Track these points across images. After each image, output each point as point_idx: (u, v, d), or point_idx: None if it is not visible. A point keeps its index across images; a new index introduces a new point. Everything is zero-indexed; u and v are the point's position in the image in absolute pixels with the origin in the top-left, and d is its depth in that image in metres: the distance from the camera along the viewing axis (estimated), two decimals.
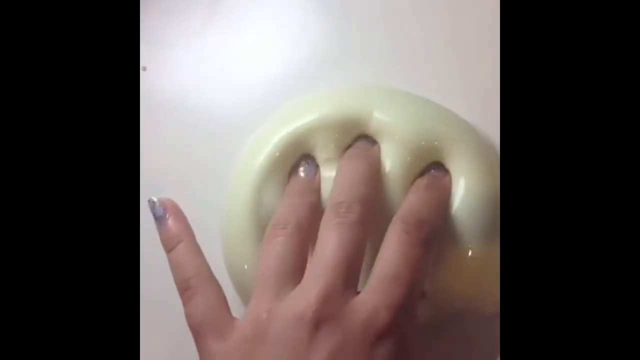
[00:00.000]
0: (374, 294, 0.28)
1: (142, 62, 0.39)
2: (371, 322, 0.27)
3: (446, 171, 0.33)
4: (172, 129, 0.39)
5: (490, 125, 0.34)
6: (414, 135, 0.32)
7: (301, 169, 0.33)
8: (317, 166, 0.33)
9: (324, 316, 0.27)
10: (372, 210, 0.30)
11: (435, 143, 0.33)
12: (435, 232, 0.30)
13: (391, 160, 0.32)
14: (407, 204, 0.31)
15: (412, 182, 0.32)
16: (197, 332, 0.29)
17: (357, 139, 0.33)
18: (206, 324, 0.29)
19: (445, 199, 0.32)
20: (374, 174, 0.32)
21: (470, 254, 0.31)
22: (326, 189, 0.33)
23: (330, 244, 0.29)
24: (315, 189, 0.33)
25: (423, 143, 0.32)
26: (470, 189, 0.32)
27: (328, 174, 0.33)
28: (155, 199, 0.32)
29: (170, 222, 0.31)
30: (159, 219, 0.32)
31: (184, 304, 0.30)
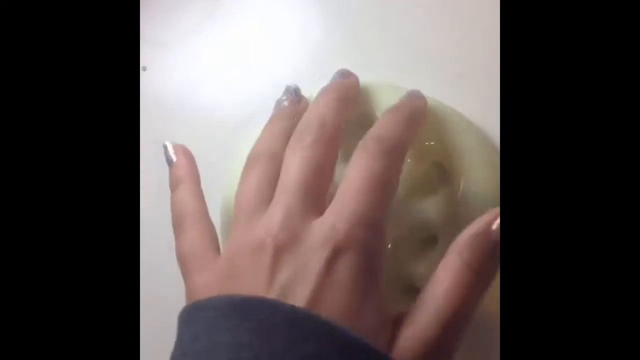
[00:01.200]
0: (333, 210, 0.27)
1: (142, 62, 0.39)
2: (328, 238, 0.26)
3: (420, 95, 0.32)
4: (171, 128, 0.39)
5: (491, 124, 0.34)
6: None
7: (283, 97, 0.34)
8: (301, 96, 0.33)
9: (283, 242, 0.27)
10: (337, 129, 0.30)
11: (435, 144, 0.32)
12: (399, 144, 0.29)
13: None
14: (372, 130, 0.30)
15: (415, 184, 0.32)
16: (183, 265, 0.30)
17: (335, 74, 0.33)
18: (191, 258, 0.29)
19: (417, 114, 0.31)
20: (344, 99, 0.31)
21: None
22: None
23: (289, 168, 0.29)
24: (298, 114, 0.32)
25: (425, 144, 0.32)
26: (471, 190, 0.32)
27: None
28: (168, 144, 0.33)
29: (177, 165, 0.32)
30: (169, 163, 0.33)
31: (175, 239, 0.31)
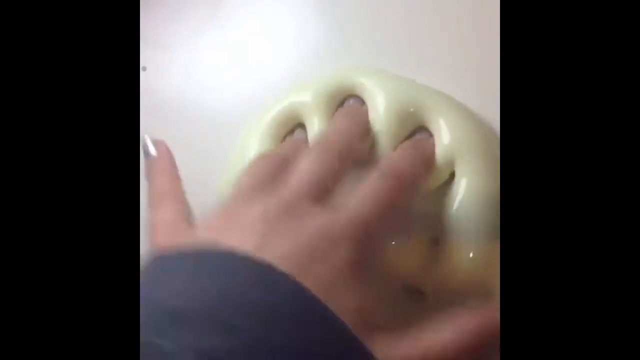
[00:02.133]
0: (339, 210, 0.28)
1: (142, 62, 0.39)
2: (330, 225, 0.27)
3: (430, 135, 0.33)
4: (171, 129, 0.39)
5: (491, 125, 0.34)
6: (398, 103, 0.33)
7: (296, 132, 0.35)
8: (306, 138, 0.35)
9: (288, 215, 0.27)
10: (350, 158, 0.31)
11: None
12: (413, 181, 0.31)
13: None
14: (387, 158, 0.32)
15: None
16: (155, 239, 0.31)
17: (347, 98, 0.34)
18: (166, 232, 0.31)
19: (429, 155, 0.32)
20: (362, 131, 0.33)
21: (471, 254, 0.31)
22: None
23: (305, 161, 0.30)
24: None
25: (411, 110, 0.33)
26: (472, 191, 0.32)
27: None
28: (147, 138, 0.35)
29: (157, 157, 0.34)
30: (147, 155, 0.34)
31: (151, 213, 0.32)
